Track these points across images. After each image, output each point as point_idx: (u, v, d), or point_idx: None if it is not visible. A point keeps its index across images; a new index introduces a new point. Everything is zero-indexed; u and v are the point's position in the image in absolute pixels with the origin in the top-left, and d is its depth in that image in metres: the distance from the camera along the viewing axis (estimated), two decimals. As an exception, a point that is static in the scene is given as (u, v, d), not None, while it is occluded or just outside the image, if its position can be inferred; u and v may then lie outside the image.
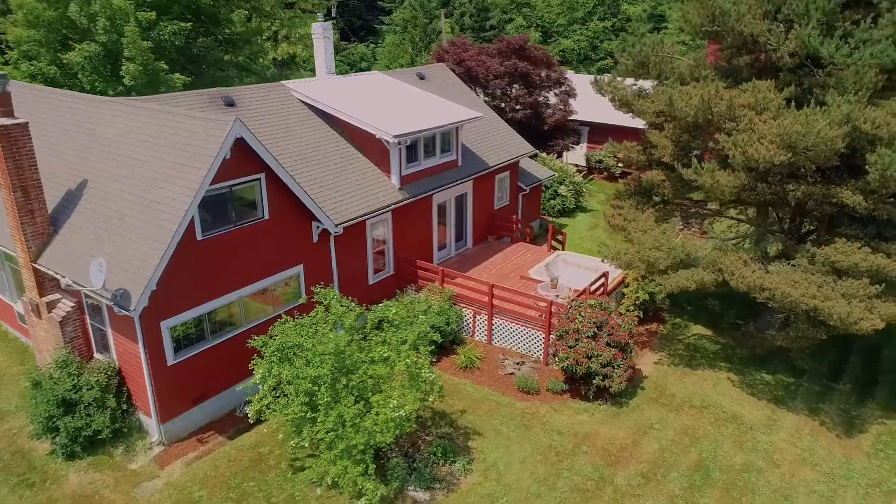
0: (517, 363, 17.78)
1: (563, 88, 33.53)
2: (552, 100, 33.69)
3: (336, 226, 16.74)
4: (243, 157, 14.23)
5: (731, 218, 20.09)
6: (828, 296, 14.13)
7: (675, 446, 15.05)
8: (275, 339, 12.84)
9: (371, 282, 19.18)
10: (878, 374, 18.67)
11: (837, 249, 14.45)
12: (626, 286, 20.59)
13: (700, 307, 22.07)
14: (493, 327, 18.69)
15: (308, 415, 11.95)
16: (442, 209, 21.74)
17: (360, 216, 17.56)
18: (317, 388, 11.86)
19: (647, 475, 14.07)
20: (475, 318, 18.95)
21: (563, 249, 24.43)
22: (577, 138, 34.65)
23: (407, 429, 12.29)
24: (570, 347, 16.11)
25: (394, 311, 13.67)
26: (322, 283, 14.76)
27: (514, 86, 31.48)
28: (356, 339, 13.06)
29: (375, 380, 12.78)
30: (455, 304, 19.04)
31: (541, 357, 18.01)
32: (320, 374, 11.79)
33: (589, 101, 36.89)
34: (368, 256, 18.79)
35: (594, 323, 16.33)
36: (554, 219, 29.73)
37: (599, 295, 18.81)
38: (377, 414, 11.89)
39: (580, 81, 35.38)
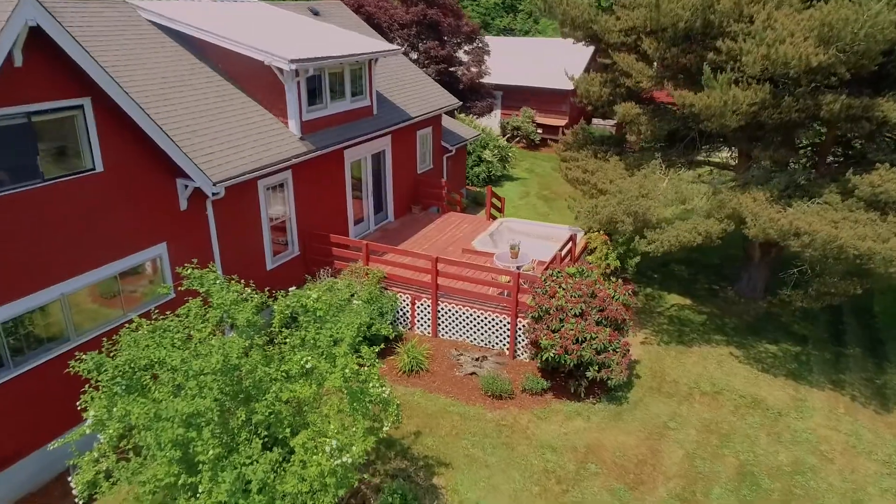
0: (476, 359, 13.43)
1: (476, 45, 29.56)
2: (464, 58, 29.62)
3: (215, 184, 11.55)
4: (49, 67, 8.82)
5: (717, 165, 16.85)
6: (882, 236, 10.92)
7: (704, 450, 11.35)
8: (117, 356, 7.61)
9: (270, 266, 14.07)
10: (879, 333, 16.16)
11: (884, 177, 11.29)
12: (590, 253, 16.86)
13: (667, 274, 18.82)
14: (440, 314, 14.22)
15: (182, 481, 6.90)
16: (357, 171, 16.94)
17: (249, 172, 12.44)
18: (194, 434, 6.85)
19: (684, 497, 10.22)
20: (414, 304, 14.39)
21: (502, 215, 20.40)
22: (493, 101, 30.86)
23: (354, 481, 7.56)
24: (553, 332, 11.97)
25: (314, 295, 8.83)
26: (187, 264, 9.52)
27: (423, 38, 27.05)
28: (257, 343, 8.13)
29: (295, 407, 7.95)
30: (386, 289, 14.38)
31: (506, 348, 13.78)
32: (199, 410, 6.80)
33: (503, 64, 33.40)
34: (264, 231, 13.67)
35: (579, 296, 12.32)
36: (480, 188, 25.68)
37: (568, 264, 14.85)
38: (304, 465, 7.08)
39: (494, 43, 31.67)
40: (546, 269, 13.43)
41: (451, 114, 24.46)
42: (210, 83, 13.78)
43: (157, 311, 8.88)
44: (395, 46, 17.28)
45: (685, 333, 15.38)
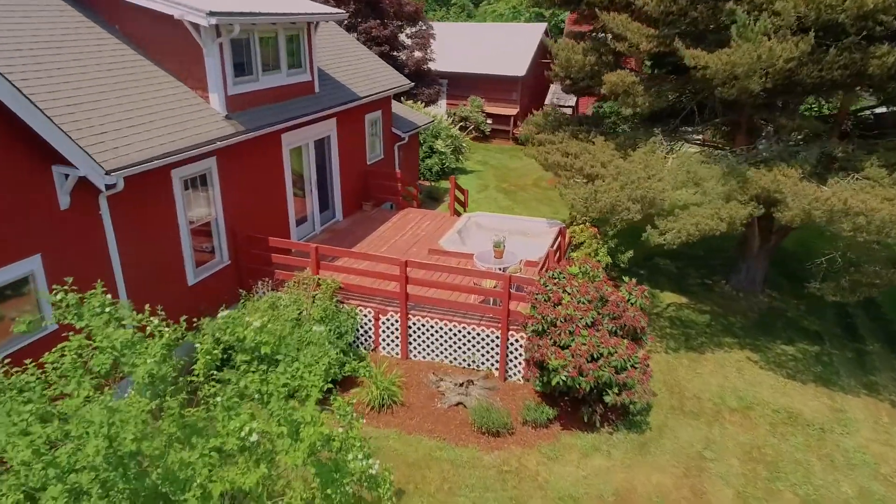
0: (461, 385, 10.85)
1: (420, 27, 27.00)
2: (407, 42, 27.00)
3: (108, 173, 8.48)
4: None
5: (699, 143, 14.91)
6: (950, 214, 9.09)
7: (754, 486, 9.19)
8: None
9: (192, 280, 11.01)
10: (893, 326, 14.66)
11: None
12: (575, 248, 14.62)
13: (653, 269, 16.84)
14: (412, 331, 11.55)
15: None
16: (298, 160, 14.03)
17: (157, 158, 9.41)
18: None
19: (750, 555, 8.01)
20: (378, 320, 11.67)
21: (466, 210, 17.92)
22: (440, 89, 28.36)
23: None
24: (562, 348, 9.55)
25: (257, 323, 6.03)
26: (74, 283, 6.33)
27: (362, 18, 24.23)
28: (170, 406, 5.26)
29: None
30: (343, 303, 11.61)
31: (495, 369, 11.27)
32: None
33: (447, 50, 30.97)
34: (183, 236, 10.62)
35: (588, 302, 9.96)
36: (432, 182, 23.11)
37: (561, 263, 12.52)
38: None
39: (437, 29, 29.17)
40: (543, 269, 11.02)
41: (397, 100, 21.78)
42: (103, 46, 10.61)
43: (16, 355, 5.86)
44: (338, 11, 14.49)
45: (692, 337, 13.33)
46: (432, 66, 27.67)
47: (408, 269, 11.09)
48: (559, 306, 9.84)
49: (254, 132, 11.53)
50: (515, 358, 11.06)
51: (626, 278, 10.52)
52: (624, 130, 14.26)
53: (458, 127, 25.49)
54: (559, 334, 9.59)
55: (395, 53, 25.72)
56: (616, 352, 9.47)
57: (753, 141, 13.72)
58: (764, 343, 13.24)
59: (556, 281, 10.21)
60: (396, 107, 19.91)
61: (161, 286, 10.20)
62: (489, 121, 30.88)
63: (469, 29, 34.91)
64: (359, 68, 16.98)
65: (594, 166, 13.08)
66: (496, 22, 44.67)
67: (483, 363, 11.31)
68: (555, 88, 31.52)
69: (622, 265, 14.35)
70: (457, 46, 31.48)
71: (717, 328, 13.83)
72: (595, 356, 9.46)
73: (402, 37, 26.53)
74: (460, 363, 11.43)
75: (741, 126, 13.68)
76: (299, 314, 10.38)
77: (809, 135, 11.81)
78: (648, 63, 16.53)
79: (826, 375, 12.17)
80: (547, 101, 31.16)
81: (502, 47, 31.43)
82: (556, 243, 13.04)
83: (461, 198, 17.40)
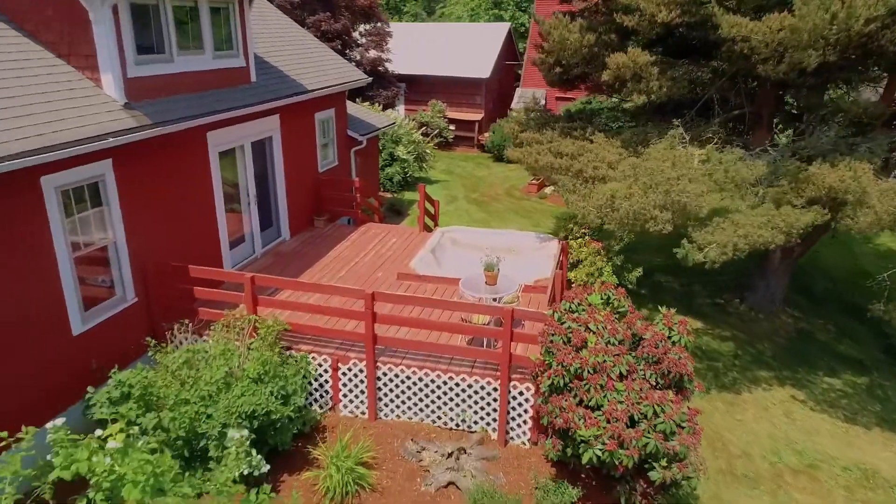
0: (449, 455, 8.19)
1: (375, 24, 24.48)
2: (361, 40, 24.44)
3: (-82, 180, 5.56)
4: None
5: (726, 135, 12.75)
6: None
7: (857, 587, 6.84)
8: None
9: (80, 328, 8.05)
10: (933, 347, 12.77)
11: None
12: (571, 268, 12.24)
13: (655, 287, 14.62)
14: (383, 382, 8.84)
15: None
16: (231, 166, 11.20)
17: (18, 157, 6.53)
18: None
19: None
20: (337, 370, 8.91)
21: (437, 224, 15.33)
22: (398, 91, 25.84)
23: None
24: (592, 408, 7.02)
25: (114, 443, 3.31)
26: None
27: (310, 11, 21.53)
28: None
29: None
30: (290, 350, 8.83)
31: (493, 429, 8.66)
32: None
33: (405, 51, 28.49)
34: (63, 266, 7.67)
35: (619, 342, 7.50)
36: (395, 193, 20.47)
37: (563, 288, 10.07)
38: None
39: (393, 29, 26.72)
40: (554, 299, 8.53)
41: (352, 101, 19.12)
42: (-58, 7, 7.66)
43: None
44: (278, -18, 11.80)
45: (720, 372, 11.04)
46: (389, 67, 25.16)
47: (375, 302, 8.40)
48: (583, 350, 7.32)
49: (166, 127, 8.69)
50: (519, 415, 8.49)
51: (663, 308, 8.10)
52: (622, 127, 11.97)
53: (420, 132, 22.95)
54: (587, 390, 7.07)
55: (347, 52, 23.11)
56: (664, 411, 7.00)
57: (772, 136, 11.63)
58: (804, 376, 11.06)
59: (575, 316, 7.69)
60: (352, 108, 17.25)
61: (28, 340, 7.25)
62: (452, 127, 28.47)
63: (428, 29, 32.54)
64: (306, 58, 14.27)
65: (598, 167, 10.73)
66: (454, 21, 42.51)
67: (476, 422, 8.68)
68: (520, 92, 29.41)
69: (629, 286, 12.00)
70: (415, 47, 29.08)
71: (746, 359, 11.59)
72: (636, 418, 6.97)
73: (355, 35, 23.95)
74: (447, 423, 8.78)
75: (761, 118, 11.58)
76: (229, 372, 7.56)
77: (863, 123, 9.69)
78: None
79: (889, 415, 10.02)
80: (513, 106, 28.99)
81: (464, 48, 29.18)
82: (558, 263, 10.58)
83: (432, 210, 14.81)
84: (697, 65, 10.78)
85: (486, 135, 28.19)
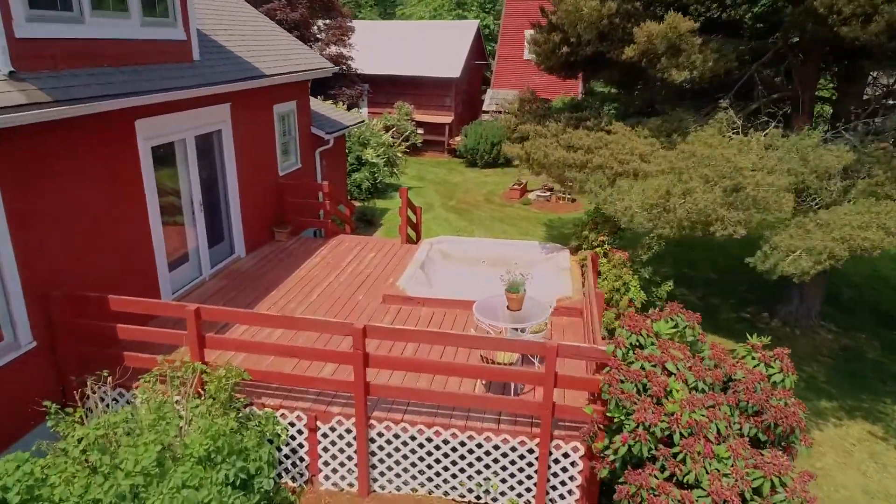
0: (474, 543, 6.05)
1: (336, 19, 22.32)
2: (321, 36, 22.22)
3: None
4: None
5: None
6: None
7: None
8: None
9: (-62, 395, 5.61)
10: None
11: None
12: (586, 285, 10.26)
13: (668, 300, 12.72)
14: (378, 446, 6.61)
15: None
16: (167, 164, 8.82)
17: None
18: None
19: None
20: (315, 432, 6.64)
21: (419, 235, 13.19)
22: (363, 91, 23.65)
23: None
24: (690, 487, 4.99)
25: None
26: None
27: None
28: None
29: None
30: (251, 406, 6.53)
31: (522, 500, 6.54)
32: None
33: (368, 50, 26.34)
34: None
35: (709, 387, 5.53)
36: (364, 202, 18.24)
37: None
38: None
39: (359, 27, 24.65)
40: (587, 326, 6.51)
41: (312, 97, 16.87)
42: None
43: None
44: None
45: (776, 404, 9.18)
46: (352, 65, 23.00)
47: (368, 338, 6.21)
48: (667, 401, 5.30)
49: (72, 107, 6.34)
50: (563, 483, 6.41)
51: (752, 336, 6.15)
52: (640, 117, 10.13)
53: (389, 134, 20.82)
54: (682, 460, 5.04)
55: (307, 44, 20.80)
56: (784, 484, 5.03)
57: (812, 123, 9.97)
58: (872, 405, 9.35)
59: (646, 353, 5.67)
60: (315, 104, 15.01)
61: None
62: (420, 130, 26.40)
63: (393, 27, 30.50)
64: (262, 41, 12.01)
65: (627, 160, 8.81)
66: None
67: (504, 493, 6.56)
68: (492, 93, 27.62)
69: (659, 304, 10.10)
70: (379, 46, 26.99)
71: (799, 385, 9.76)
72: (747, 497, 4.99)
73: (314, 28, 21.72)
74: (464, 495, 6.62)
75: (802, 102, 9.90)
76: (164, 449, 5.24)
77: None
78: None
79: (985, 452, 8.34)
80: (485, 107, 27.17)
81: (432, 47, 27.24)
82: (582, 277, 8.59)
83: (413, 219, 12.65)
84: (738, 38, 9.03)
85: (458, 139, 26.25)
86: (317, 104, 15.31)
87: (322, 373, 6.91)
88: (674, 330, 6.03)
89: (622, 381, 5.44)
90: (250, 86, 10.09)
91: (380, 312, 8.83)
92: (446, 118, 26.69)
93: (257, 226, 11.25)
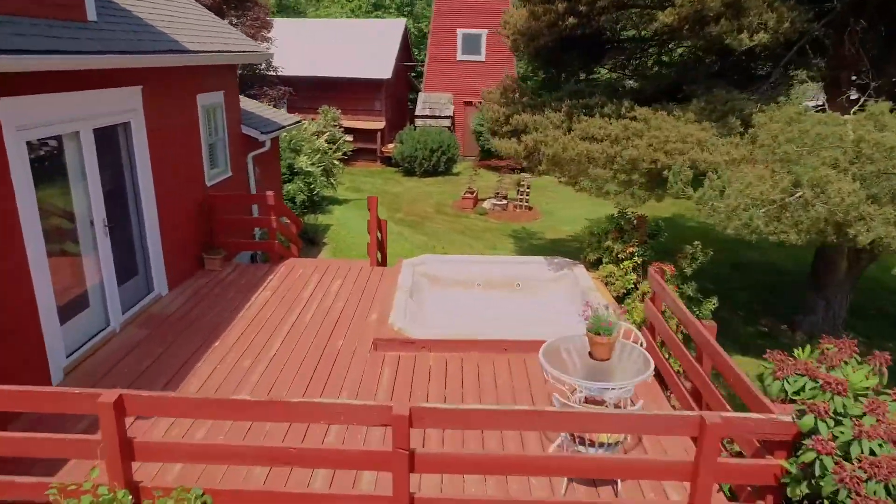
0: None
1: (252, 12, 19.51)
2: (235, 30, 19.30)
3: None
4: None
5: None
6: None
7: None
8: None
9: None
10: None
11: None
12: (621, 299, 8.34)
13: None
14: None
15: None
16: (54, 169, 6.02)
17: None
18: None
19: None
20: (321, 572, 4.16)
21: (384, 254, 10.81)
22: (286, 91, 20.87)
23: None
24: None
25: None
26: None
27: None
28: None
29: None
30: (215, 549, 3.96)
31: None
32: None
33: (291, 51, 23.51)
34: None
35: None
36: (299, 217, 15.53)
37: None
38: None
39: (278, 26, 21.91)
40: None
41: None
42: None
43: None
44: None
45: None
46: (273, 62, 20.24)
47: (413, 425, 3.83)
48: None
49: None
50: None
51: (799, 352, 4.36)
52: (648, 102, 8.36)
53: (324, 139, 18.25)
54: None
55: (218, 40, 17.87)
56: None
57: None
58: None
59: (870, 428, 3.67)
60: (245, 102, 12.30)
61: None
62: (349, 137, 23.85)
63: (315, 26, 27.75)
64: (179, 13, 9.27)
65: (681, 151, 6.93)
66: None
67: None
68: (424, 97, 25.57)
69: (704, 316, 8.30)
70: (301, 46, 24.31)
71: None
72: None
73: (227, 20, 18.79)
74: None
75: (838, 80, 8.50)
76: None
77: None
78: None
79: None
80: (418, 112, 25.07)
81: (359, 47, 24.87)
82: (631, 301, 6.57)
83: (379, 235, 10.21)
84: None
85: (391, 146, 23.97)
86: (244, 101, 12.62)
87: (333, 487, 4.46)
88: (869, 381, 4.11)
89: (865, 479, 3.40)
90: (168, 62, 7.43)
91: (373, 364, 6.43)
92: (377, 124, 24.35)
93: (182, 252, 8.49)
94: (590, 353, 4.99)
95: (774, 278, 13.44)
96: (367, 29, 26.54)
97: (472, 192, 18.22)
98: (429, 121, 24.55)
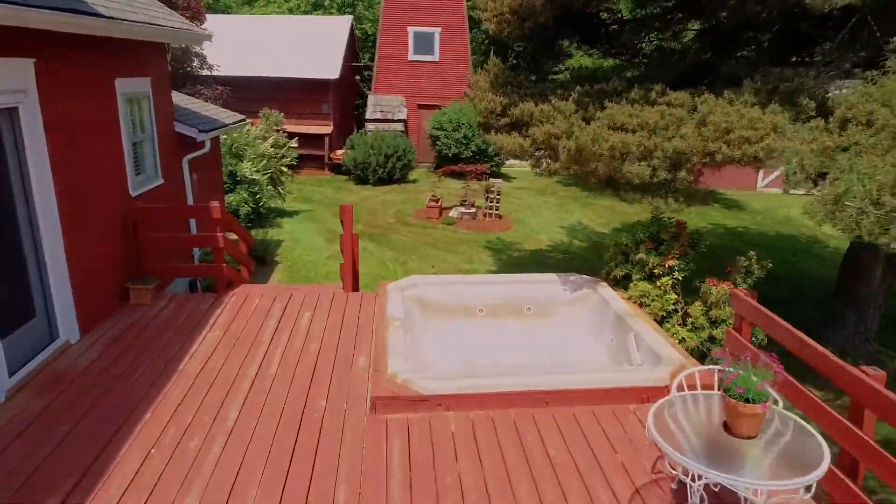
0: None
1: (184, 1, 17.25)
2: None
3: None
4: None
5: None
6: None
7: None
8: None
9: None
10: None
11: None
12: (662, 320, 6.83)
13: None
14: None
15: None
16: None
17: None
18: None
19: None
20: None
21: (356, 274, 8.96)
22: (222, 92, 18.63)
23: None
24: None
25: None
26: None
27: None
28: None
29: None
30: None
31: None
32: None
33: (227, 49, 21.18)
34: None
35: None
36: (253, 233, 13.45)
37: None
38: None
39: (213, 22, 19.73)
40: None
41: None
42: None
43: None
44: None
45: None
46: (208, 60, 18.06)
47: None
48: None
49: None
50: None
51: None
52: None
53: (269, 143, 16.21)
54: None
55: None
56: None
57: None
58: None
59: None
60: (180, 98, 10.24)
61: None
62: (294, 143, 21.76)
63: (254, 23, 25.47)
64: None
65: (751, 139, 5.51)
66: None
67: None
68: (374, 100, 23.78)
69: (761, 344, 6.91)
70: (239, 44, 22.08)
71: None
72: None
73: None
74: None
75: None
76: None
77: None
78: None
79: None
80: (368, 115, 23.25)
81: (302, 45, 22.86)
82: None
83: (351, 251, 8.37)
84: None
85: (340, 152, 22.05)
86: (177, 96, 10.56)
87: None
88: None
89: None
90: (73, 26, 5.45)
91: (375, 435, 4.65)
92: (325, 128, 22.37)
93: (99, 283, 6.45)
94: (724, 426, 3.40)
95: (804, 285, 12.36)
96: (311, 26, 24.55)
97: (436, 201, 16.57)
98: (381, 125, 22.77)
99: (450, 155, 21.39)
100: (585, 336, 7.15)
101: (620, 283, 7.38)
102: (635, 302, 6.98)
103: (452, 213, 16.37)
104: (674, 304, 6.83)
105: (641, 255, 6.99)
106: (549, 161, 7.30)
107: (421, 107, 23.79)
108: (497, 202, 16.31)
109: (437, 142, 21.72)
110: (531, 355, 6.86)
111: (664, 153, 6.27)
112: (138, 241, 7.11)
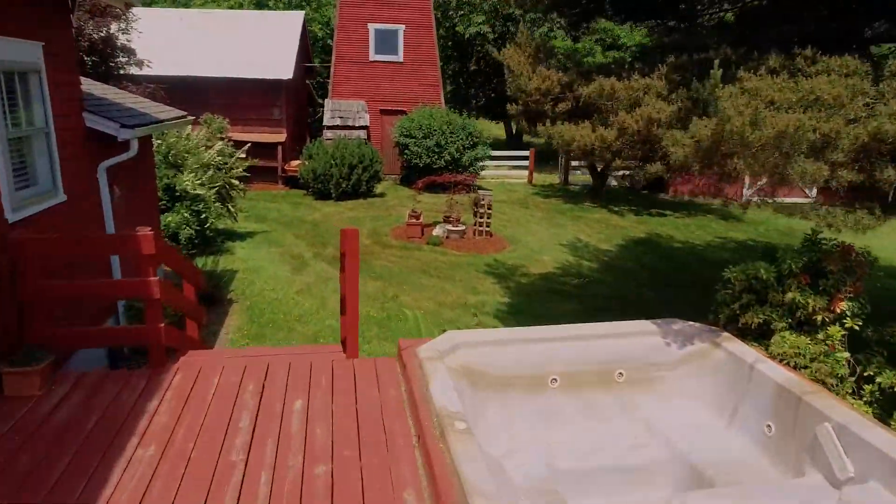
0: None
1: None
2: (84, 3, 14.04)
3: None
4: None
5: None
6: None
7: None
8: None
9: None
10: None
11: None
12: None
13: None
14: None
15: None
16: None
17: None
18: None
19: None
20: None
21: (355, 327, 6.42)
22: (157, 90, 15.69)
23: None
24: None
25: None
26: None
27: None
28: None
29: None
30: None
31: None
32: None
33: (164, 46, 18.16)
34: None
35: None
36: (197, 260, 10.64)
37: None
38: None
39: (147, 16, 16.85)
40: None
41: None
42: None
43: None
44: None
45: None
46: (139, 56, 15.17)
47: None
48: None
49: None
50: None
51: None
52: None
53: (216, 150, 13.42)
54: None
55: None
56: None
57: None
58: None
59: None
60: (90, 83, 7.49)
61: None
62: (241, 154, 18.91)
63: (194, 18, 22.40)
64: None
65: None
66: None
67: None
68: (332, 104, 21.18)
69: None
70: (175, 41, 19.17)
71: None
72: None
73: None
74: None
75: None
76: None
77: None
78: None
79: None
80: (327, 122, 20.63)
81: (250, 43, 20.08)
82: None
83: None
84: None
85: (297, 163, 19.36)
86: (93, 83, 7.82)
87: None
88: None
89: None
90: None
91: None
92: (278, 136, 19.62)
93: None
94: None
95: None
96: (260, 22, 21.78)
97: (417, 217, 14.12)
98: (341, 132, 20.20)
99: (421, 165, 19.03)
100: (710, 416, 4.89)
101: (749, 334, 5.16)
102: (784, 363, 4.77)
103: (437, 232, 13.96)
104: (847, 366, 4.66)
105: (794, 295, 4.78)
106: (648, 160, 5.03)
107: (384, 112, 21.37)
108: (488, 217, 14.03)
109: (406, 150, 19.33)
110: (638, 451, 4.55)
111: (854, 141, 4.08)
112: (16, 294, 4.41)
